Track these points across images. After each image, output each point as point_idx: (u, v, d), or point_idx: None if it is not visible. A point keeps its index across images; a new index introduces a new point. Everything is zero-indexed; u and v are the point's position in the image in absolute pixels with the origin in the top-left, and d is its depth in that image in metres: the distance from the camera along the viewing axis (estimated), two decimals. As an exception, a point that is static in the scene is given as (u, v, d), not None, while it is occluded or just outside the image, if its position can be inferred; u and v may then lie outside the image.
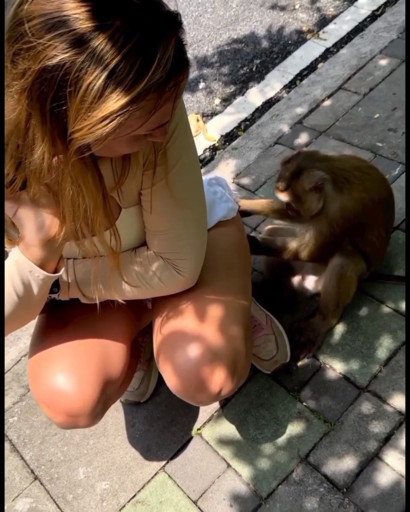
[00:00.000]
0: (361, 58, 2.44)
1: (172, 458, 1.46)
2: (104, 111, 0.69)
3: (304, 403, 1.47)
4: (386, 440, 1.36)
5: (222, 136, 2.43)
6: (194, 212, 1.08)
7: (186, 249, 1.08)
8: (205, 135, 2.44)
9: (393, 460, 1.33)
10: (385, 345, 1.52)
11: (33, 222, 0.90)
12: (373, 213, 1.45)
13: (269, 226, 1.70)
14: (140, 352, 1.56)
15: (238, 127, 2.45)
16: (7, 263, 0.95)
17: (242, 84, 2.66)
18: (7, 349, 1.79)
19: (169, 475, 1.43)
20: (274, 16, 2.94)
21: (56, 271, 0.99)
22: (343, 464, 1.35)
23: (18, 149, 0.78)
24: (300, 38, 2.78)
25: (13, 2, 0.71)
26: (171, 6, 0.74)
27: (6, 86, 0.72)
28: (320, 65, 2.58)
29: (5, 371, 1.73)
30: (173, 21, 0.73)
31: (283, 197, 1.42)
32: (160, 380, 1.53)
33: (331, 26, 2.77)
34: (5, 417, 1.63)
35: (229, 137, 2.42)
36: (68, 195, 0.82)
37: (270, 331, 1.55)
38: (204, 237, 1.13)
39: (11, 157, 0.80)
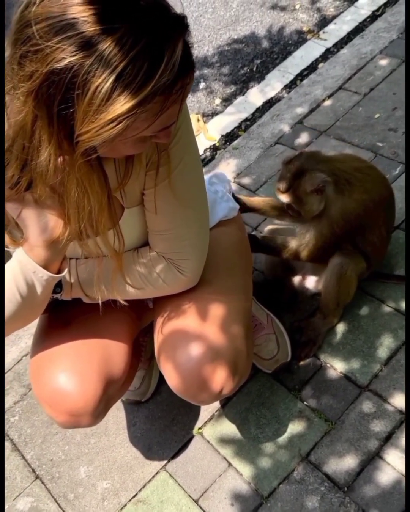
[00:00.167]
0: (361, 58, 2.44)
1: (173, 457, 1.46)
2: (111, 114, 0.70)
3: (305, 402, 1.47)
4: (387, 439, 1.37)
5: (222, 136, 2.43)
6: (197, 212, 1.09)
7: (188, 249, 1.09)
8: (205, 135, 2.44)
9: (394, 459, 1.33)
10: (385, 344, 1.53)
11: (37, 223, 0.90)
12: (374, 214, 1.45)
13: (270, 226, 1.70)
14: (142, 352, 1.56)
15: (239, 127, 2.45)
16: (11, 263, 0.95)
17: (242, 84, 2.66)
18: (8, 349, 1.79)
19: (170, 474, 1.44)
20: (274, 16, 2.95)
21: (59, 271, 0.99)
22: (344, 463, 1.35)
23: (23, 150, 0.78)
24: (300, 38, 2.78)
25: (19, 4, 0.71)
26: (178, 9, 0.74)
27: (12, 88, 0.73)
28: (320, 65, 2.58)
29: (6, 370, 1.73)
30: (180, 23, 0.74)
31: (284, 198, 1.42)
32: (161, 380, 1.53)
33: (331, 26, 2.77)
34: (6, 417, 1.64)
35: (229, 137, 2.42)
36: (73, 196, 0.82)
37: (271, 331, 1.56)
38: (206, 237, 1.13)
39: (16, 159, 0.80)
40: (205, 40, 2.91)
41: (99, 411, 1.14)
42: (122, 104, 0.69)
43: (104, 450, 1.52)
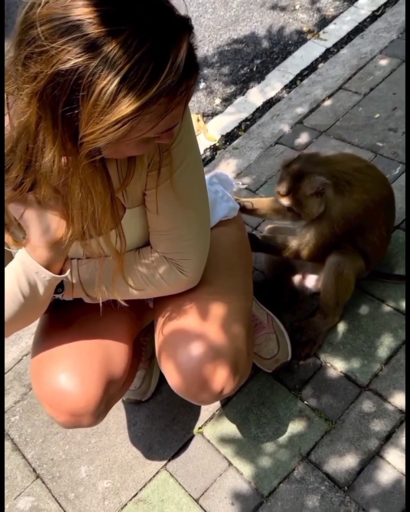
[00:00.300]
0: (361, 58, 2.44)
1: (173, 456, 1.47)
2: (116, 115, 0.70)
3: (305, 402, 1.47)
4: (387, 438, 1.37)
5: (222, 136, 2.43)
6: (198, 212, 1.09)
7: (189, 249, 1.09)
8: (205, 135, 2.44)
9: (394, 458, 1.34)
10: (385, 344, 1.53)
11: (40, 224, 0.90)
12: (374, 214, 1.46)
13: (270, 225, 1.70)
14: (142, 351, 1.57)
15: (239, 127, 2.45)
16: (13, 263, 0.95)
17: (242, 84, 2.66)
18: (8, 348, 1.80)
19: (170, 474, 1.44)
20: (274, 16, 2.95)
21: (62, 272, 0.99)
22: (344, 462, 1.35)
23: (27, 151, 0.78)
24: (300, 39, 2.78)
25: (24, 6, 0.71)
26: (182, 11, 0.75)
27: (16, 89, 0.73)
28: (320, 65, 2.58)
29: (6, 370, 1.74)
30: (185, 25, 0.74)
31: (284, 201, 1.43)
32: (162, 379, 1.54)
33: (331, 27, 2.78)
34: (7, 416, 1.64)
35: (229, 137, 2.42)
36: (77, 197, 0.83)
37: (271, 330, 1.56)
38: (207, 237, 1.13)
39: (20, 159, 0.80)
40: (205, 40, 2.91)
41: (100, 411, 1.14)
42: (127, 106, 0.69)
43: (104, 449, 1.52)
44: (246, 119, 2.47)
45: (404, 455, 1.33)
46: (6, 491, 1.49)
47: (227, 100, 2.61)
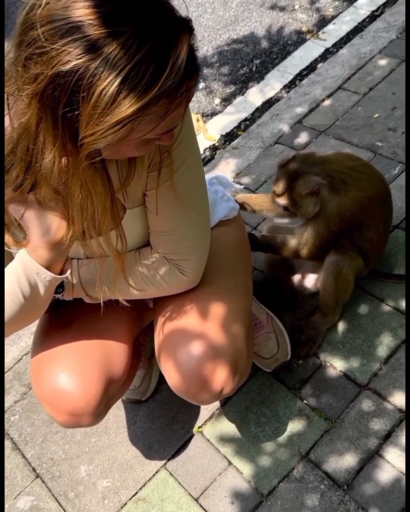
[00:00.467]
0: (360, 58, 2.45)
1: (173, 456, 1.47)
2: (116, 117, 0.70)
3: (305, 401, 1.48)
4: (387, 437, 1.37)
5: (222, 135, 2.44)
6: (198, 212, 1.09)
7: (190, 249, 1.09)
8: (205, 134, 2.45)
9: (393, 457, 1.34)
10: (385, 343, 1.53)
11: (40, 225, 0.90)
12: (370, 210, 1.46)
13: (269, 224, 1.71)
14: (142, 351, 1.57)
15: (238, 126, 2.46)
16: (14, 264, 0.95)
17: (241, 84, 2.67)
18: (8, 348, 1.80)
19: (170, 473, 1.44)
20: (273, 16, 2.95)
21: (62, 272, 0.99)
22: (344, 462, 1.35)
23: (27, 152, 0.78)
24: (299, 39, 2.79)
25: (24, 7, 0.71)
26: (183, 12, 0.75)
27: (17, 89, 0.73)
28: (319, 65, 2.59)
29: (6, 369, 1.74)
30: (185, 27, 0.74)
31: (280, 201, 1.44)
32: (161, 379, 1.54)
33: (330, 27, 2.78)
34: (6, 416, 1.64)
35: (229, 137, 2.43)
36: (77, 198, 0.83)
37: (271, 330, 1.56)
38: (207, 238, 1.13)
39: (20, 160, 0.80)
40: (204, 40, 2.92)
41: (100, 410, 1.15)
42: (127, 107, 0.69)
43: (104, 448, 1.52)
44: (246, 119, 2.48)
45: (404, 454, 1.33)
46: (6, 490, 1.49)
47: (227, 100, 2.61)
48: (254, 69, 2.72)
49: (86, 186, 0.82)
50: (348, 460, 1.35)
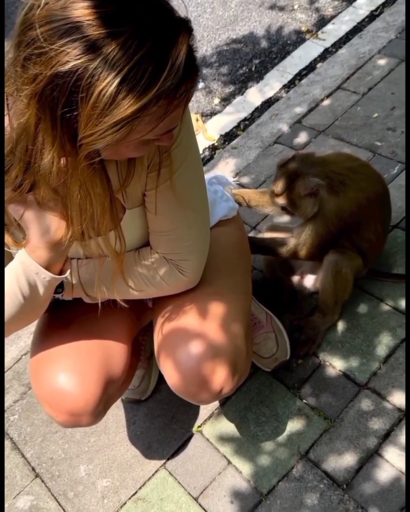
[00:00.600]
0: (359, 58, 2.45)
1: (173, 455, 1.47)
2: (115, 117, 0.70)
3: (304, 400, 1.48)
4: (386, 436, 1.37)
5: (221, 135, 2.44)
6: (198, 213, 1.09)
7: (189, 249, 1.09)
8: (204, 134, 2.45)
9: (392, 456, 1.34)
10: (384, 343, 1.53)
11: (39, 225, 0.90)
12: (368, 211, 1.46)
13: (268, 224, 1.71)
14: (141, 351, 1.57)
15: (237, 126, 2.46)
16: (13, 264, 0.95)
17: (241, 84, 2.67)
18: (7, 348, 1.80)
19: (170, 472, 1.44)
20: (272, 16, 2.95)
21: (62, 272, 0.99)
22: (343, 461, 1.36)
23: (27, 152, 0.78)
24: (298, 38, 2.79)
25: (23, 7, 0.71)
26: (182, 12, 0.74)
27: (16, 90, 0.73)
28: (319, 65, 2.59)
29: (5, 369, 1.74)
30: (185, 27, 0.73)
31: (279, 201, 1.44)
32: (161, 378, 1.54)
33: (329, 26, 2.78)
34: (6, 415, 1.64)
35: (228, 137, 2.43)
36: (76, 198, 0.83)
37: (270, 329, 1.56)
38: (207, 238, 1.13)
39: (19, 160, 0.80)
40: (203, 40, 2.92)
41: (99, 410, 1.15)
42: (126, 108, 0.69)
43: (104, 448, 1.52)
44: (245, 119, 2.48)
45: (403, 454, 1.33)
46: (5, 490, 1.49)
47: (226, 100, 2.61)
48: (253, 69, 2.72)
49: (85, 186, 0.82)
50: (347, 460, 1.36)
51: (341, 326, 1.60)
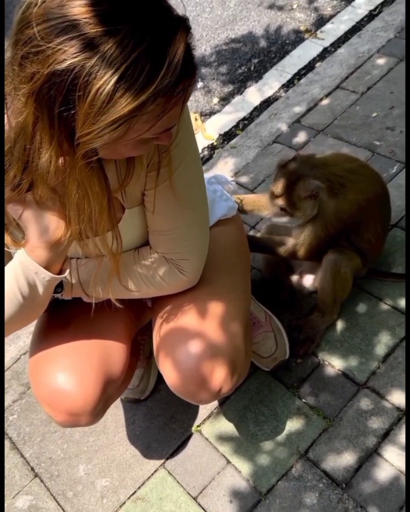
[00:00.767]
0: (358, 57, 2.45)
1: (172, 454, 1.47)
2: (113, 116, 0.69)
3: (303, 400, 1.48)
4: (385, 436, 1.37)
5: (220, 135, 2.44)
6: (197, 212, 1.09)
7: (189, 249, 1.09)
8: (203, 134, 2.45)
9: (391, 455, 1.34)
10: (383, 342, 1.53)
11: (38, 224, 0.90)
12: (368, 212, 1.46)
13: (267, 224, 1.71)
14: (140, 350, 1.57)
15: (236, 126, 2.46)
16: (12, 264, 0.95)
17: (240, 84, 2.67)
18: (7, 347, 1.80)
19: (169, 472, 1.44)
20: (271, 15, 2.95)
21: (61, 272, 0.99)
22: (342, 460, 1.36)
23: (25, 152, 0.78)
24: (297, 38, 2.79)
25: (21, 5, 0.71)
26: (180, 11, 0.74)
27: (13, 89, 0.72)
28: (318, 64, 2.59)
29: (4, 369, 1.73)
30: (183, 25, 0.73)
31: (278, 201, 1.44)
32: (160, 378, 1.54)
33: (328, 26, 2.78)
34: (5, 415, 1.64)
35: (227, 136, 2.43)
36: (74, 198, 0.82)
37: (269, 329, 1.56)
38: (206, 237, 1.13)
39: (18, 160, 0.80)
40: (202, 40, 2.92)
41: (98, 410, 1.15)
42: (123, 106, 0.69)
43: (103, 448, 1.52)
44: (244, 118, 2.48)
45: (402, 453, 1.33)
46: (4, 490, 1.49)
47: (225, 99, 2.61)
48: (252, 68, 2.72)
49: (83, 185, 0.81)
50: (346, 459, 1.36)
51: (340, 325, 1.60)
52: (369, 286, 1.65)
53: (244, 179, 2.11)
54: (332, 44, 2.68)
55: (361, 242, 1.51)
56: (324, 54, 2.64)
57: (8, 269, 0.95)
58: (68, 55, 0.66)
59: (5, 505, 1.46)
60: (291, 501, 1.32)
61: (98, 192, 0.84)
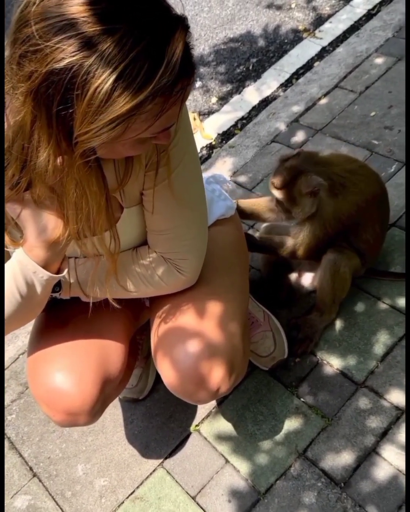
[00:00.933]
0: (357, 57, 2.45)
1: (170, 454, 1.47)
2: (111, 115, 0.69)
3: (302, 399, 1.48)
4: (383, 435, 1.37)
5: (218, 134, 2.44)
6: (196, 212, 1.09)
7: (187, 248, 1.09)
8: (201, 133, 2.45)
9: (390, 454, 1.34)
10: (381, 341, 1.53)
11: (36, 224, 0.90)
12: (366, 212, 1.46)
13: (266, 224, 1.71)
14: (138, 350, 1.57)
15: (235, 125, 2.46)
16: (11, 263, 0.95)
17: (238, 83, 2.67)
18: (5, 347, 1.79)
19: (167, 471, 1.44)
20: (270, 15, 2.95)
21: (59, 271, 0.99)
22: (341, 459, 1.36)
23: (23, 151, 0.78)
24: (296, 37, 2.79)
25: (19, 4, 0.71)
26: (178, 10, 0.74)
27: (12, 88, 0.72)
28: (316, 63, 2.59)
29: (3, 369, 1.73)
30: (181, 24, 0.73)
31: (277, 194, 1.43)
32: (158, 377, 1.53)
33: (327, 25, 2.78)
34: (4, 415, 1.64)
35: (225, 136, 2.43)
36: (72, 197, 0.82)
37: (268, 328, 1.56)
38: (205, 237, 1.13)
39: (16, 159, 0.80)
40: (201, 39, 2.91)
41: (97, 410, 1.15)
42: (122, 105, 0.69)
43: (101, 447, 1.52)
44: (242, 118, 2.48)
45: (400, 452, 1.34)
46: (3, 489, 1.49)
47: (223, 99, 2.61)
48: (250, 67, 2.72)
49: (81, 185, 0.81)
50: (345, 458, 1.36)
51: (338, 324, 1.60)
52: (368, 286, 1.65)
53: (242, 179, 2.11)
54: (330, 44, 2.68)
55: (360, 242, 1.51)
56: (322, 53, 2.64)
57: (6, 268, 0.95)
58: (66, 53, 0.66)
59: (4, 504, 1.46)
60: (290, 501, 1.33)
61: (96, 192, 0.83)
